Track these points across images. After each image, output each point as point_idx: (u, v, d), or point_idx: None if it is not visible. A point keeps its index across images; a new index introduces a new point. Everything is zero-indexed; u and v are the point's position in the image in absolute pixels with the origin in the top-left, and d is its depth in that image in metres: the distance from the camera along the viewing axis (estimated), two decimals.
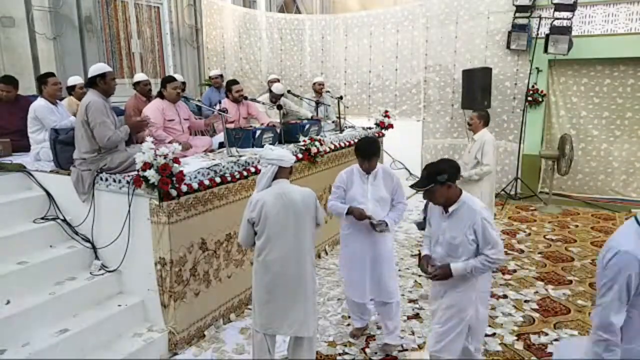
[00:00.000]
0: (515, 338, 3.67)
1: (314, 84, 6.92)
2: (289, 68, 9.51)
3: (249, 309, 4.07)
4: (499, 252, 2.65)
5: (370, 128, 6.59)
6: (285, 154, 2.93)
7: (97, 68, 3.70)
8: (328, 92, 7.38)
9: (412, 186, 2.76)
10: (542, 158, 7.41)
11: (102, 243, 3.73)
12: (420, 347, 3.58)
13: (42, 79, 4.66)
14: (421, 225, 4.26)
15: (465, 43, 7.93)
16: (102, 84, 3.67)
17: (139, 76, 5.62)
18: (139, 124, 4.02)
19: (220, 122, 4.90)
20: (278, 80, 6.98)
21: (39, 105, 4.47)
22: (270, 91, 6.16)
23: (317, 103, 6.28)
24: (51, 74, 4.79)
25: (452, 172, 2.63)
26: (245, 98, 5.72)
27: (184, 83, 7.19)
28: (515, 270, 4.93)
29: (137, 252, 3.53)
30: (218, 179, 3.76)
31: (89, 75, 3.71)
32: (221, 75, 7.25)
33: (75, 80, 5.27)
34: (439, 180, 2.60)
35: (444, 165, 2.67)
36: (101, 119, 3.57)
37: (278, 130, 5.03)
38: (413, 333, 3.73)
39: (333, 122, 6.45)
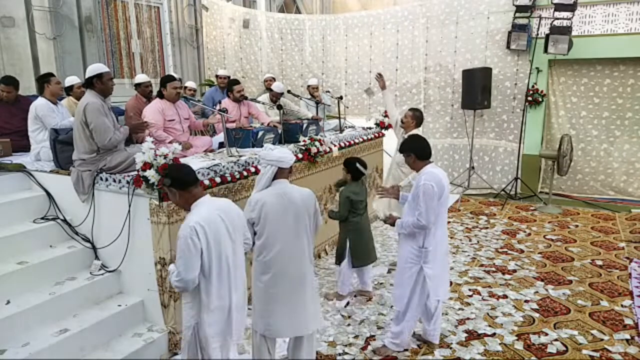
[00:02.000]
0: (515, 338, 3.67)
1: (308, 86, 6.92)
2: (290, 68, 9.51)
3: (249, 309, 4.06)
4: (174, 273, 2.48)
5: (370, 128, 6.59)
6: (284, 155, 2.92)
7: (94, 68, 3.69)
8: (328, 92, 7.38)
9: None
10: (541, 158, 7.42)
11: (102, 243, 3.73)
12: (420, 347, 3.59)
13: (45, 79, 4.69)
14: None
15: (465, 43, 7.94)
16: (98, 84, 3.66)
17: (141, 77, 5.63)
18: (139, 126, 4.01)
19: (219, 122, 4.90)
20: (274, 79, 6.98)
21: (40, 104, 4.51)
22: (270, 90, 6.16)
23: (317, 103, 6.29)
24: (52, 74, 4.83)
25: (175, 178, 2.55)
26: (246, 98, 5.73)
27: (195, 90, 7.21)
28: (515, 270, 4.93)
29: (137, 252, 3.53)
30: (218, 179, 3.76)
31: (86, 76, 3.70)
32: (228, 77, 7.21)
33: (73, 80, 5.26)
34: (165, 184, 2.59)
35: (169, 169, 2.67)
36: (100, 120, 3.56)
37: (279, 131, 5.03)
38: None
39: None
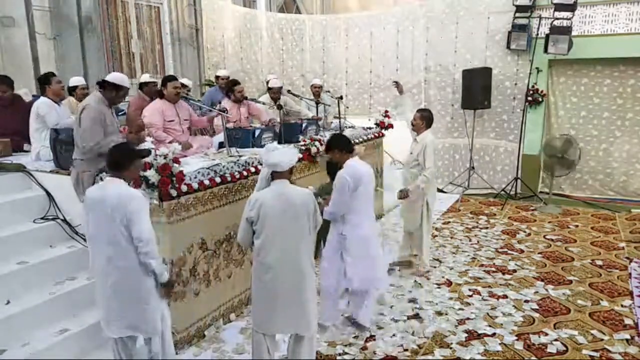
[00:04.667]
0: (515, 338, 3.67)
1: (311, 86, 6.92)
2: (291, 68, 9.50)
3: (249, 309, 4.07)
4: None
5: (370, 128, 6.58)
6: (283, 158, 2.88)
7: (118, 78, 3.65)
8: (328, 92, 7.38)
9: None
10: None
11: None
12: (420, 347, 3.58)
13: (46, 79, 4.64)
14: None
15: (465, 43, 7.93)
16: (110, 93, 3.63)
17: (146, 77, 5.70)
18: (136, 128, 4.03)
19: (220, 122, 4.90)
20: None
21: (42, 102, 4.48)
22: (270, 89, 6.16)
23: (317, 103, 6.29)
24: (53, 74, 4.79)
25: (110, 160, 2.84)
26: (246, 98, 5.73)
27: (189, 89, 7.18)
28: (515, 270, 4.93)
29: None
30: (218, 179, 3.76)
31: (107, 78, 3.65)
32: (228, 77, 7.18)
33: (78, 81, 5.23)
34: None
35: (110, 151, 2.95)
36: (87, 125, 3.50)
37: (277, 130, 5.03)
38: (413, 333, 3.73)
39: (331, 122, 6.44)
